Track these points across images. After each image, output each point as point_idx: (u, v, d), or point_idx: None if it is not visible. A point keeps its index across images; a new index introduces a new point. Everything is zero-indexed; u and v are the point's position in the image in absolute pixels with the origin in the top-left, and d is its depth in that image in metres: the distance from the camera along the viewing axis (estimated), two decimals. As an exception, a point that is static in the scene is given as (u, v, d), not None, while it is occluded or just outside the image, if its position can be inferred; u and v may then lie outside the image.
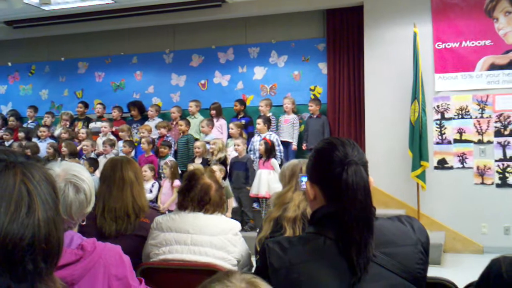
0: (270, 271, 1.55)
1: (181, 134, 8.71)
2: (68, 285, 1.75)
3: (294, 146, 8.43)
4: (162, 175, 7.99)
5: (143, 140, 8.54)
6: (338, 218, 1.55)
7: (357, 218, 1.52)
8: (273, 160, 7.53)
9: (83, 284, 1.77)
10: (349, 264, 1.52)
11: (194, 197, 2.87)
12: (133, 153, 8.61)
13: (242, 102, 9.05)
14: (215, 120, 8.87)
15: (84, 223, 2.06)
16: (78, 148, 9.11)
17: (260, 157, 7.76)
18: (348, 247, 1.52)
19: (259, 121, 8.21)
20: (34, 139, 9.76)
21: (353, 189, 1.54)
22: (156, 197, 7.75)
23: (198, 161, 7.84)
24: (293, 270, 1.53)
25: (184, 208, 2.89)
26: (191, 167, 6.54)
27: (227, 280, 1.13)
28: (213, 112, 8.97)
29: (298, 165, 3.14)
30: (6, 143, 9.78)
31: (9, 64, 11.05)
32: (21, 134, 9.80)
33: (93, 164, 8.02)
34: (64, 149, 8.81)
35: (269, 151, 7.57)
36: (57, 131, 9.83)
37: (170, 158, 8.21)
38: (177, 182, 7.46)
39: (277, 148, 7.95)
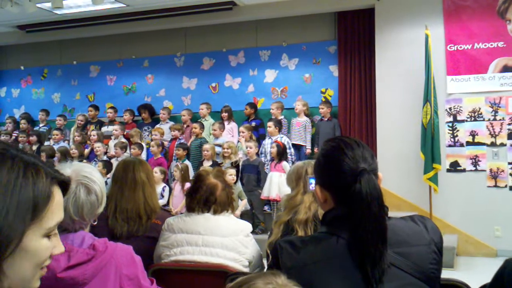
0: (283, 271, 1.53)
1: (194, 136, 8.72)
2: (79, 284, 1.75)
3: (308, 149, 8.39)
4: (173, 178, 8.00)
5: (152, 143, 8.56)
6: (350, 219, 1.53)
7: (371, 231, 1.49)
8: (284, 163, 7.51)
9: (94, 284, 1.78)
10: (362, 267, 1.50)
11: (200, 198, 2.87)
12: (144, 156, 8.64)
13: (252, 105, 9.06)
14: (226, 123, 8.88)
15: (96, 223, 2.06)
16: (89, 149, 9.17)
17: (272, 159, 7.76)
18: (362, 260, 1.50)
19: (270, 124, 8.21)
20: (47, 142, 9.82)
21: (367, 201, 1.51)
22: (168, 201, 7.76)
23: (207, 164, 7.84)
24: (305, 269, 1.52)
25: (192, 210, 2.89)
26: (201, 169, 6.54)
27: (273, 279, 1.11)
28: (224, 114, 8.98)
29: (303, 167, 3.13)
30: (21, 146, 9.86)
31: (22, 68, 11.15)
32: (33, 138, 9.87)
33: (107, 166, 8.04)
34: (74, 151, 8.87)
35: (281, 153, 7.57)
36: (71, 135, 9.92)
37: (186, 161, 8.21)
38: (187, 185, 7.46)
39: (288, 151, 7.93)
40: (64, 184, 0.95)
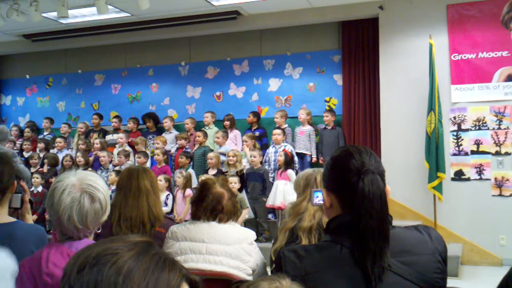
0: (286, 279, 1.54)
1: (198, 145, 8.72)
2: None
3: (314, 158, 8.39)
4: (176, 186, 8.00)
5: (157, 151, 8.57)
6: (354, 227, 1.54)
7: (372, 228, 1.51)
8: (289, 171, 7.50)
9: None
10: (364, 273, 1.51)
11: (206, 207, 2.87)
12: (148, 164, 8.65)
13: (255, 114, 9.07)
14: (229, 131, 8.90)
15: (100, 231, 2.07)
16: (92, 158, 9.19)
17: (278, 168, 7.76)
18: (363, 257, 1.51)
19: (278, 131, 8.19)
20: (52, 151, 9.84)
21: (369, 199, 1.53)
22: (172, 209, 7.76)
23: (212, 172, 7.85)
24: (308, 278, 1.52)
25: (197, 218, 2.89)
26: (202, 177, 6.56)
27: (277, 281, 1.14)
28: (227, 123, 9.00)
29: (312, 175, 3.12)
30: (26, 154, 9.88)
31: (27, 76, 11.20)
32: (40, 145, 9.89)
33: (119, 174, 8.03)
34: (80, 159, 8.89)
35: (288, 162, 7.57)
36: (74, 143, 9.94)
37: (190, 169, 8.22)
38: (188, 192, 7.47)
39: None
40: (195, 286, 1.02)
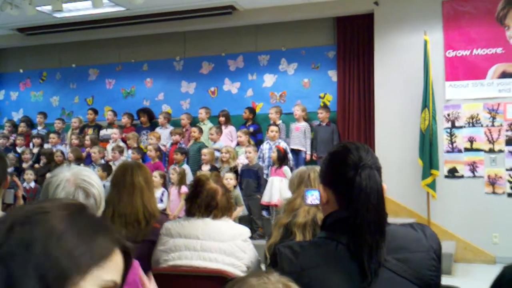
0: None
1: (193, 141, 8.69)
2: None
3: (308, 155, 8.39)
4: (171, 182, 7.98)
5: (149, 147, 8.53)
6: (351, 223, 1.54)
7: (369, 222, 1.52)
8: (285, 168, 7.48)
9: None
10: (360, 268, 1.51)
11: (201, 203, 2.86)
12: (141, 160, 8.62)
13: (251, 110, 9.05)
14: (223, 127, 8.88)
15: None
16: (85, 153, 9.14)
17: (272, 164, 7.74)
18: (360, 251, 1.51)
19: (275, 128, 8.16)
20: (45, 145, 9.80)
21: (366, 193, 1.54)
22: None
23: (205, 168, 7.83)
24: (304, 274, 1.52)
25: (192, 215, 2.88)
26: (198, 173, 6.54)
27: (265, 276, 1.16)
28: (222, 119, 8.98)
29: (306, 172, 3.13)
30: (19, 149, 9.83)
31: (21, 70, 11.14)
32: (38, 141, 9.82)
33: (106, 169, 8.02)
34: (70, 155, 8.83)
35: (281, 158, 7.54)
36: (67, 138, 9.89)
37: (185, 165, 8.19)
38: (184, 189, 7.44)
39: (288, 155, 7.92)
40: (127, 255, 0.99)
